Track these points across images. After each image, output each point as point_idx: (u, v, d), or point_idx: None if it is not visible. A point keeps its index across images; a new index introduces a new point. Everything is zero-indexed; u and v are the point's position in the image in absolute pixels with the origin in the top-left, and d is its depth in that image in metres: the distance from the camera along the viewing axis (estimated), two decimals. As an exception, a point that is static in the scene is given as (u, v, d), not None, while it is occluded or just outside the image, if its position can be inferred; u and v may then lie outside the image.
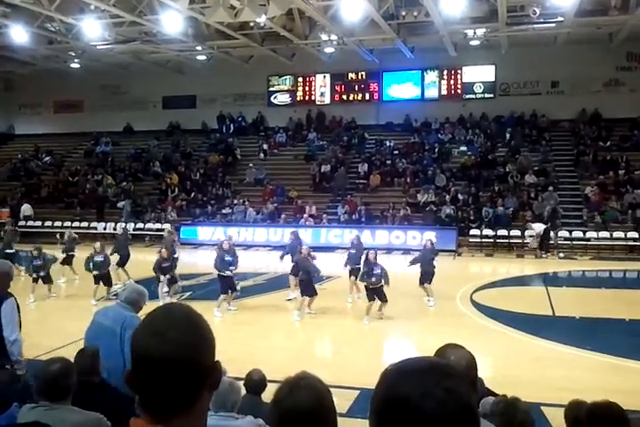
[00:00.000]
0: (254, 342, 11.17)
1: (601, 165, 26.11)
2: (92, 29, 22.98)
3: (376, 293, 12.64)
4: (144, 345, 1.43)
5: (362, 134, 30.78)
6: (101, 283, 14.71)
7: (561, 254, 22.29)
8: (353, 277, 14.48)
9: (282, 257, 16.01)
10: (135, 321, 5.08)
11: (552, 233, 22.62)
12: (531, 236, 22.81)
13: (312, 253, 13.88)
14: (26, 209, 28.72)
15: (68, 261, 17.44)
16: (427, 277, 14.10)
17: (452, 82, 30.66)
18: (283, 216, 26.15)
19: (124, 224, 24.06)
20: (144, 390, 1.44)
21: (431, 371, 1.27)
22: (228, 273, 13.45)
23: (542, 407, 7.19)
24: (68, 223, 27.71)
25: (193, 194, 29.14)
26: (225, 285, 13.45)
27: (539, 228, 22.42)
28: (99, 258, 14.74)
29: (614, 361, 9.76)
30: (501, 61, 28.72)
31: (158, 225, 26.99)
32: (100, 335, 5.23)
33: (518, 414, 4.02)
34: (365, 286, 12.92)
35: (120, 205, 28.60)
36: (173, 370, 1.40)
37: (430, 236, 23.23)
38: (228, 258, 13.60)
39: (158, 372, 1.41)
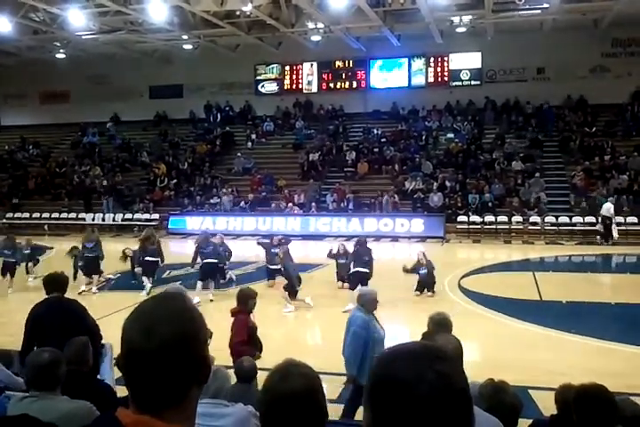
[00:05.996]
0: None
1: (587, 151, 26.22)
2: (77, 19, 22.80)
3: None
4: (130, 338, 1.42)
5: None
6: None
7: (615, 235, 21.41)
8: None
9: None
10: (358, 320, 6.66)
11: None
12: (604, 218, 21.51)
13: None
14: None
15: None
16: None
17: (438, 69, 30.63)
18: (273, 205, 26.23)
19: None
20: (132, 382, 1.43)
21: (424, 355, 1.28)
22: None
23: (530, 391, 7.28)
24: (55, 215, 27.63)
25: (180, 183, 29.04)
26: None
27: (608, 208, 21.56)
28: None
29: (600, 344, 9.88)
30: (488, 48, 28.67)
31: (147, 215, 26.94)
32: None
33: (507, 398, 4.08)
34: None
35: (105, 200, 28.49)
36: (159, 365, 1.38)
37: (418, 222, 23.50)
38: None
39: (144, 366, 1.39)
